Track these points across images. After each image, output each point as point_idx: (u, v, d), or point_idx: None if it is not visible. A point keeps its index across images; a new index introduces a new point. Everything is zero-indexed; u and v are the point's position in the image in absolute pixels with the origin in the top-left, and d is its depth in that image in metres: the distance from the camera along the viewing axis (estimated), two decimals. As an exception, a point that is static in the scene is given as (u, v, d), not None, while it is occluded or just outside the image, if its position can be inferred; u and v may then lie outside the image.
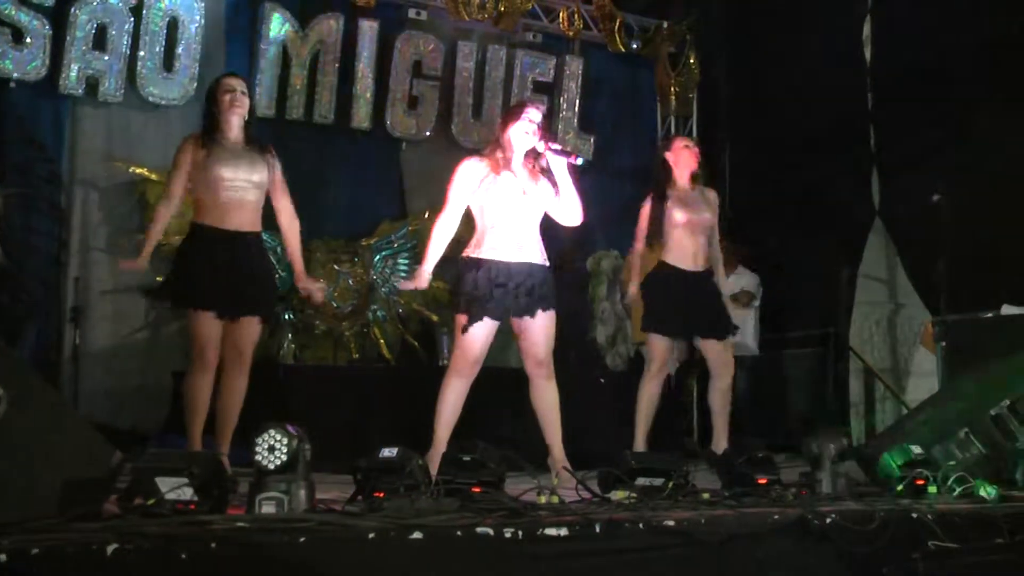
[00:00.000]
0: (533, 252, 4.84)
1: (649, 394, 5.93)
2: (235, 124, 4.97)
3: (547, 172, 4.86)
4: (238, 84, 5.04)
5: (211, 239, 4.91)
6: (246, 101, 5.02)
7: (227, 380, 4.93)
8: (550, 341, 4.87)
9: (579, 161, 4.81)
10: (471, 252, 4.81)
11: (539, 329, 4.83)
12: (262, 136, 5.20)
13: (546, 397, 4.89)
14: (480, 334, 4.73)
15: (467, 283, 4.75)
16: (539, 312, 4.80)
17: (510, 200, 4.79)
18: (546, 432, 4.90)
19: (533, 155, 4.86)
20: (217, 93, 4.99)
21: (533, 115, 4.84)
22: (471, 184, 4.80)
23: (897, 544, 3.25)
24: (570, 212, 4.88)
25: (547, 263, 4.90)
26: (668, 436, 6.76)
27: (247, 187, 4.90)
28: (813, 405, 7.84)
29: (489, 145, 4.94)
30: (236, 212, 4.89)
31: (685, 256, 5.84)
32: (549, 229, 5.03)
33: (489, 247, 4.78)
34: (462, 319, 4.74)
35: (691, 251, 5.84)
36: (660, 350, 5.90)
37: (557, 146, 4.83)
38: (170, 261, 7.09)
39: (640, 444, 5.81)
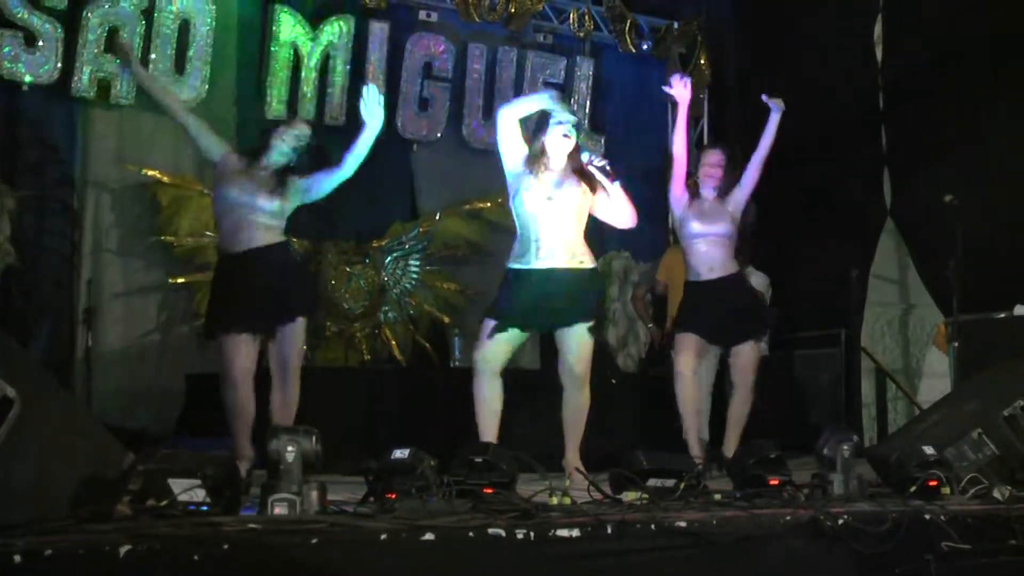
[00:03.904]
0: (568, 257, 4.80)
1: (688, 396, 5.80)
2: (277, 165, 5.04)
3: (584, 174, 4.85)
4: (307, 136, 5.11)
5: (226, 265, 5.02)
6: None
7: (276, 394, 4.97)
8: (583, 352, 4.81)
9: (615, 183, 4.81)
10: (511, 264, 4.82)
11: (571, 340, 4.81)
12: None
13: (569, 406, 4.88)
14: (503, 341, 4.73)
15: (501, 297, 4.78)
16: (575, 324, 4.78)
17: (538, 205, 4.79)
18: (566, 436, 4.90)
19: (574, 157, 4.85)
20: (286, 136, 5.05)
21: (564, 117, 4.83)
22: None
23: (909, 545, 3.25)
24: (620, 215, 4.86)
25: (587, 266, 4.83)
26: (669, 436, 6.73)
27: (257, 213, 4.94)
28: (824, 406, 7.81)
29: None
30: (246, 233, 4.93)
31: (701, 267, 5.82)
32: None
33: (524, 255, 4.77)
34: (488, 324, 4.74)
35: (707, 263, 5.82)
36: (692, 347, 5.78)
37: (600, 163, 4.79)
38: (185, 261, 7.15)
39: (695, 449, 5.73)
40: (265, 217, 4.96)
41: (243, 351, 4.89)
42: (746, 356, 5.87)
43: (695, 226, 5.83)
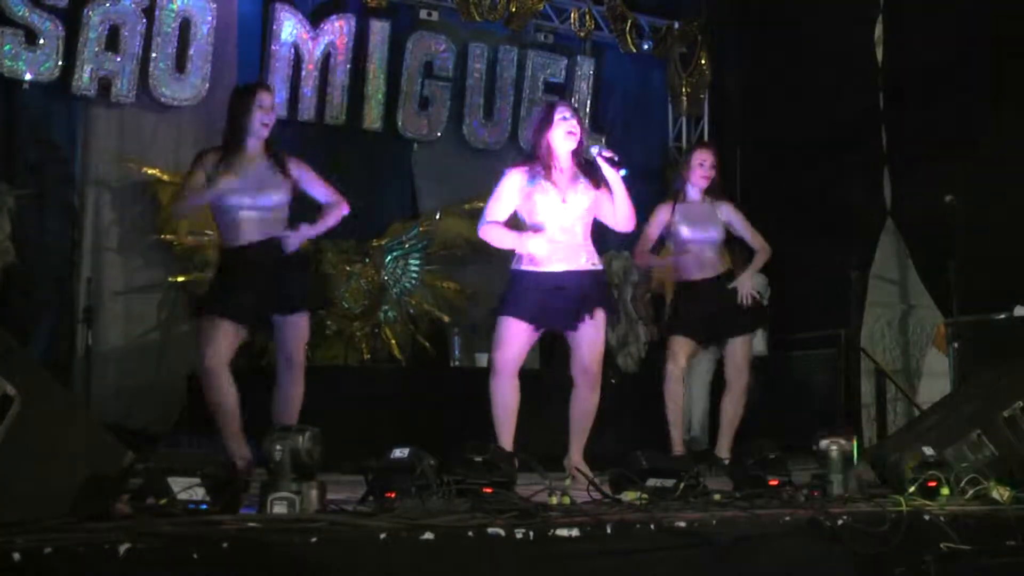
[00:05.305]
0: (578, 259, 4.84)
1: (676, 394, 5.90)
2: (260, 144, 4.99)
3: (589, 172, 4.86)
4: (271, 100, 5.03)
5: (224, 258, 5.02)
6: (274, 118, 5.03)
7: (279, 388, 4.93)
8: (595, 349, 4.87)
9: (623, 172, 4.81)
10: (516, 265, 4.85)
11: (583, 337, 4.83)
12: (274, 139, 5.17)
13: (580, 405, 4.90)
14: (517, 334, 4.75)
15: (510, 292, 4.81)
16: (584, 320, 4.81)
17: (552, 209, 4.79)
18: (571, 434, 4.91)
19: (577, 156, 4.86)
20: (251, 105, 4.95)
21: (568, 114, 4.84)
22: (513, 196, 4.82)
23: (909, 546, 3.24)
24: (622, 218, 4.89)
25: (597, 267, 4.92)
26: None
27: (257, 211, 4.92)
28: (824, 406, 7.80)
29: (528, 155, 4.95)
30: (240, 230, 4.92)
31: (691, 269, 5.88)
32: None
33: (532, 258, 4.79)
34: (502, 320, 4.77)
35: (697, 264, 5.89)
36: (683, 349, 5.89)
37: (608, 153, 4.80)
38: (185, 260, 7.10)
39: (678, 446, 5.83)
40: (260, 212, 4.92)
41: (219, 338, 4.80)
42: (740, 350, 5.94)
43: (685, 231, 5.88)
